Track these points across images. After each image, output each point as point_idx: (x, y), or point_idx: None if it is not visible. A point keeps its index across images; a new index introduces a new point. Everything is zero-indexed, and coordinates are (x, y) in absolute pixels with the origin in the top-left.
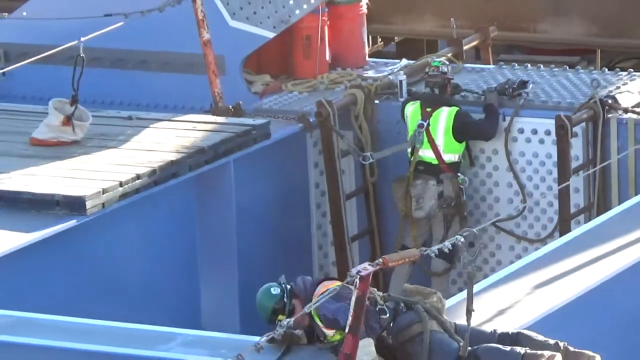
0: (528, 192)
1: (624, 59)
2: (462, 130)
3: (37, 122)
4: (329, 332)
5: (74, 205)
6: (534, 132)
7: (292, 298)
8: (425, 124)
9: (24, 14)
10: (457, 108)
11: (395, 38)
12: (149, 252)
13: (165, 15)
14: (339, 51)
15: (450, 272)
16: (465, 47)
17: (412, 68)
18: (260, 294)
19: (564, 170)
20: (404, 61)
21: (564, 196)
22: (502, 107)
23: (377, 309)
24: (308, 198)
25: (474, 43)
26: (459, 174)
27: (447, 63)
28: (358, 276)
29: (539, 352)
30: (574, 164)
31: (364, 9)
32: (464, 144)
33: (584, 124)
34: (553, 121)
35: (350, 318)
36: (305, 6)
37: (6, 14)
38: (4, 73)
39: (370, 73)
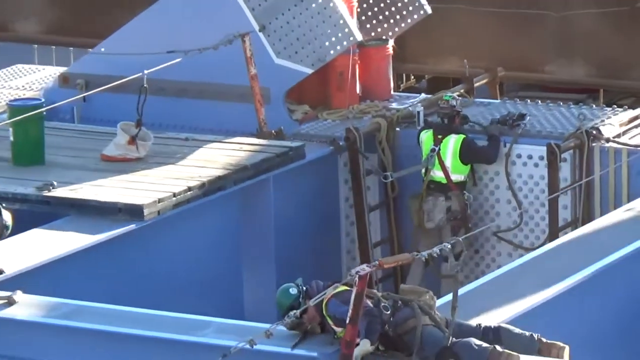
0: (524, 208)
1: (623, 97)
2: (467, 155)
3: (107, 141)
4: (338, 329)
5: (133, 212)
6: (530, 157)
7: (306, 298)
8: (437, 148)
9: (102, 50)
10: (464, 136)
11: (426, 76)
12: (198, 254)
13: (220, 53)
14: (368, 86)
15: (457, 275)
16: (476, 85)
17: (429, 101)
18: (279, 293)
19: (554, 189)
20: (423, 95)
21: (553, 212)
22: (503, 136)
23: (380, 306)
24: (338, 210)
25: (484, 81)
26: (464, 192)
27: (456, 97)
28: (357, 275)
29: (503, 351)
30: (562, 185)
31: (390, 51)
32: (469, 166)
33: (571, 151)
34: (545, 148)
35: (350, 311)
36: (338, 47)
37: (89, 49)
38: (84, 99)
39: (394, 105)
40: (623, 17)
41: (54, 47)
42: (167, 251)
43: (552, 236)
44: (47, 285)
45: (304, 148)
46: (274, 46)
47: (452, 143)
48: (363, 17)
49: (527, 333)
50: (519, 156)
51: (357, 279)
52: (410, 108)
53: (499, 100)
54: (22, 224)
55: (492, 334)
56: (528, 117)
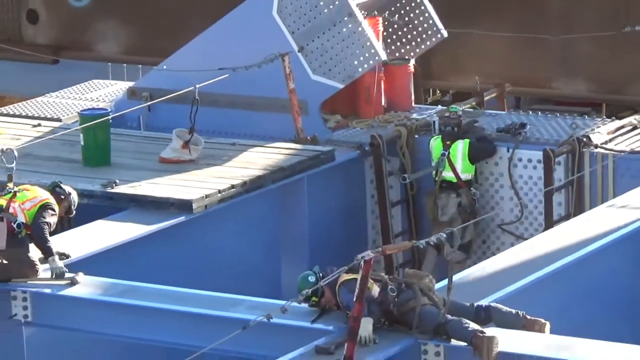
0: (524, 204)
1: (624, 110)
2: (476, 154)
3: (165, 145)
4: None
5: (184, 206)
6: (529, 160)
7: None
8: (447, 152)
9: (164, 67)
10: (470, 140)
11: (450, 90)
12: (240, 243)
13: (263, 70)
14: (391, 99)
15: (467, 261)
16: (486, 98)
17: (443, 112)
18: (299, 280)
19: (549, 189)
20: (439, 107)
21: (549, 207)
22: (506, 142)
23: (388, 288)
24: (365, 205)
25: (492, 95)
26: (472, 189)
27: (461, 109)
28: (363, 260)
29: (484, 335)
30: (557, 184)
31: (411, 69)
32: (474, 166)
33: (565, 155)
34: (542, 153)
35: (357, 290)
36: (366, 65)
37: (154, 67)
38: (149, 109)
39: (414, 115)
40: (617, 41)
41: (125, 65)
42: (212, 241)
43: (548, 228)
44: (107, 268)
45: (334, 152)
46: (310, 64)
47: (461, 147)
48: (388, 40)
49: (514, 311)
50: (520, 159)
51: (362, 263)
52: (427, 118)
53: (505, 112)
54: (88, 216)
55: (484, 312)
56: (528, 126)
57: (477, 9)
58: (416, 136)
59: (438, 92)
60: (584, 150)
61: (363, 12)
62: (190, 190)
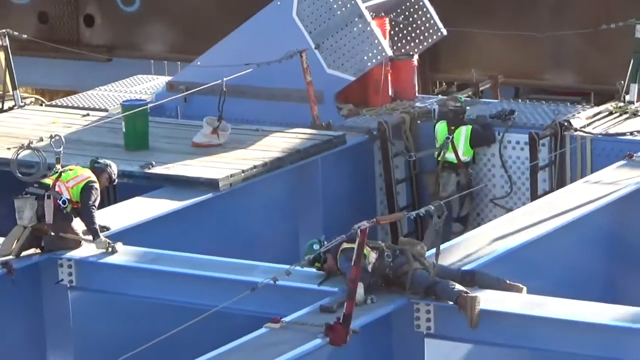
0: (513, 181)
1: (611, 99)
2: (476, 140)
3: (197, 131)
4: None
5: (211, 184)
6: (517, 142)
7: (326, 252)
8: (451, 137)
9: (198, 63)
10: (472, 126)
11: (455, 82)
12: (261, 218)
13: (284, 65)
14: (397, 89)
15: (464, 232)
16: (481, 88)
17: (442, 101)
18: (306, 247)
19: (534, 168)
20: (439, 97)
21: (534, 184)
22: (497, 127)
23: (384, 254)
24: (374, 183)
25: (487, 86)
26: (469, 169)
27: (464, 99)
28: (359, 229)
29: (468, 295)
30: (541, 164)
31: (415, 63)
32: (473, 150)
33: (548, 138)
34: (528, 135)
35: (355, 255)
36: (374, 60)
37: (187, 63)
38: (185, 100)
39: (418, 104)
40: (600, 37)
41: (165, 62)
42: (236, 215)
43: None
44: (143, 239)
45: (345, 136)
46: (325, 60)
47: (464, 132)
48: (395, 38)
49: (495, 276)
50: (509, 142)
51: (359, 232)
52: (428, 106)
53: (497, 100)
54: (127, 194)
55: (469, 276)
56: (516, 113)
57: (476, 10)
58: (418, 122)
59: (444, 84)
60: (565, 133)
61: (371, 13)
62: (217, 170)
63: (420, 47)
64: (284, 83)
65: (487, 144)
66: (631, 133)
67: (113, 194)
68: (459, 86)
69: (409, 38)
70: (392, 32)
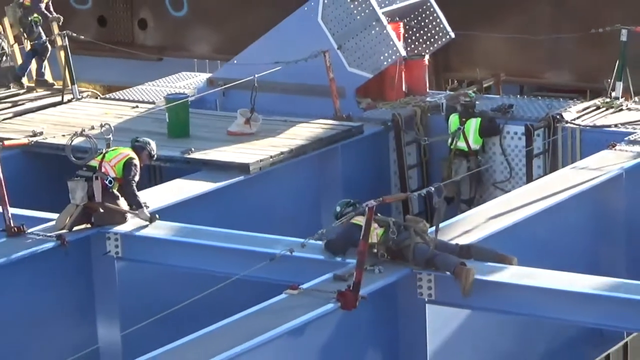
0: (512, 167)
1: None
2: (485, 131)
3: (232, 121)
4: None
5: (243, 168)
6: (515, 133)
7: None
8: (462, 127)
9: (235, 62)
10: (481, 118)
11: (465, 80)
12: (288, 197)
13: (309, 63)
14: (410, 85)
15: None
16: (484, 85)
17: (449, 96)
18: (339, 204)
19: (530, 155)
20: (447, 92)
21: (530, 169)
22: (498, 119)
23: (389, 230)
24: (388, 168)
25: (490, 83)
26: (478, 157)
27: (475, 94)
28: (367, 207)
29: (463, 267)
30: (535, 152)
31: (426, 62)
32: (482, 140)
33: (542, 129)
34: (524, 127)
35: (363, 231)
36: (390, 60)
37: (224, 62)
38: (223, 94)
39: (428, 99)
40: (594, 39)
41: (207, 60)
42: (265, 196)
43: None
44: (184, 215)
45: (363, 127)
46: (346, 59)
47: (474, 124)
48: (408, 40)
49: (489, 248)
50: (508, 132)
51: (367, 209)
52: (437, 101)
53: (498, 96)
54: (169, 176)
55: (465, 250)
56: (515, 107)
57: (484, 15)
58: (428, 115)
59: (455, 81)
60: (558, 125)
61: (387, 18)
62: (248, 156)
63: (431, 48)
64: (309, 79)
65: (494, 134)
66: (615, 125)
67: (159, 176)
68: (468, 84)
69: (420, 40)
70: (405, 35)
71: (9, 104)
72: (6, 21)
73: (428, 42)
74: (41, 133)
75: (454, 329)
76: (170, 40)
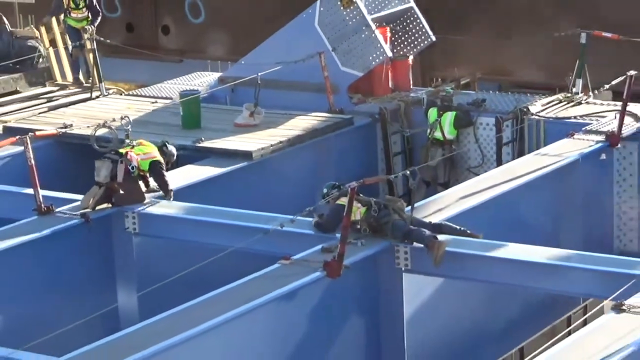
0: (484, 154)
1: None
2: (459, 123)
3: (238, 114)
4: None
5: (246, 155)
6: (487, 124)
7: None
8: (439, 119)
9: (242, 62)
10: (456, 112)
11: (448, 79)
12: (286, 181)
13: (307, 63)
14: (396, 83)
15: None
16: (462, 83)
17: (430, 92)
18: (326, 186)
19: (500, 143)
20: (428, 88)
21: (499, 156)
22: (472, 112)
23: (371, 208)
24: (376, 155)
25: (467, 80)
26: (453, 146)
27: (452, 90)
28: (349, 188)
29: (437, 239)
30: (505, 141)
31: (410, 62)
32: (457, 131)
33: (511, 120)
34: (495, 119)
35: (346, 209)
36: (378, 60)
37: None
38: (232, 90)
39: (412, 94)
40: (559, 42)
41: (219, 61)
42: (266, 179)
43: None
44: (195, 196)
45: (353, 119)
46: (340, 59)
47: (450, 116)
48: (395, 43)
49: (458, 226)
50: (481, 123)
51: (349, 189)
52: (419, 96)
53: (473, 92)
54: (182, 162)
55: (437, 227)
56: (487, 101)
57: (461, 21)
58: (412, 108)
59: (439, 79)
60: (524, 117)
61: (376, 23)
62: (252, 144)
63: (414, 50)
64: (307, 77)
65: (467, 127)
66: (574, 117)
67: (174, 162)
68: (451, 81)
69: (405, 43)
70: (392, 38)
71: (45, 100)
72: (43, 29)
73: (412, 45)
74: (71, 125)
75: (428, 295)
76: (190, 44)
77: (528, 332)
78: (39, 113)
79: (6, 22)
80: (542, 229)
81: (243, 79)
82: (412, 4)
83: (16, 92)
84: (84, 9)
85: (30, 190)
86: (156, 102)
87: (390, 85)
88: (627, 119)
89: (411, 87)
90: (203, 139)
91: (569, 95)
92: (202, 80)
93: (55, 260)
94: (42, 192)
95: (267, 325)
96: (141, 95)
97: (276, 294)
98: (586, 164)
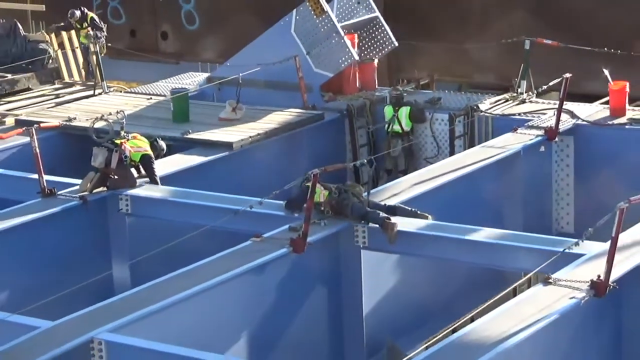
0: (439, 146)
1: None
2: (414, 117)
3: (222, 109)
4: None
5: (227, 145)
6: (442, 120)
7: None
8: (396, 114)
9: (228, 64)
10: (410, 107)
11: (412, 80)
12: (263, 169)
13: (284, 65)
14: (363, 82)
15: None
16: (421, 83)
17: (393, 91)
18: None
19: (453, 137)
20: (390, 88)
21: (452, 148)
22: (428, 109)
23: (333, 192)
24: (344, 147)
25: (425, 81)
26: (410, 137)
27: (405, 89)
28: (312, 174)
29: (391, 220)
30: (457, 134)
31: (375, 65)
32: (412, 124)
33: (463, 117)
34: (448, 115)
35: (309, 192)
36: (346, 63)
37: (219, 64)
38: (219, 88)
39: (377, 93)
40: (511, 48)
41: (208, 63)
42: (245, 167)
43: None
44: (182, 181)
45: (324, 114)
46: (313, 62)
47: (405, 111)
48: (362, 47)
49: (410, 208)
50: (437, 119)
51: (312, 176)
52: (383, 94)
53: (430, 91)
54: (171, 152)
55: (392, 209)
56: (442, 99)
57: (422, 28)
58: (376, 106)
59: (405, 80)
60: (475, 113)
61: (345, 30)
62: (233, 136)
63: (379, 54)
64: (283, 78)
65: (421, 121)
66: (518, 114)
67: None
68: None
69: (371, 48)
70: (359, 44)
71: (53, 96)
72: (52, 34)
73: (377, 49)
74: (74, 118)
75: (384, 270)
76: (186, 48)
77: (476, 302)
78: (47, 107)
79: (20, 27)
80: (487, 212)
81: (228, 78)
82: (378, 13)
83: (28, 89)
84: (88, 28)
85: (35, 176)
86: (151, 98)
87: (357, 85)
88: (564, 116)
89: (376, 86)
90: (190, 131)
91: (515, 94)
92: (193, 80)
93: (57, 237)
94: (46, 177)
95: (239, 294)
96: (138, 93)
97: (248, 267)
98: (527, 155)
